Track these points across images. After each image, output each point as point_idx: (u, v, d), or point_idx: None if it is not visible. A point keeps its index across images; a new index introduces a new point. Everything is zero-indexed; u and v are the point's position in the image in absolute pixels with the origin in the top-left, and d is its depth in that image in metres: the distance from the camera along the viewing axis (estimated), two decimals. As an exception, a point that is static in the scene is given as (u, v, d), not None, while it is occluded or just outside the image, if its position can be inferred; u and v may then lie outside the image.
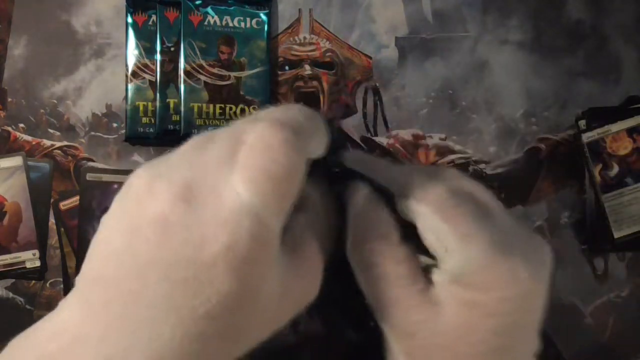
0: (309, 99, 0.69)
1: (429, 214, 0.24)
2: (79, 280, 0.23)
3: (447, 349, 0.24)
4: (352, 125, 0.70)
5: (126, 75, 0.67)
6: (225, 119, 0.66)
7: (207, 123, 0.66)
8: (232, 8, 0.67)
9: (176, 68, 0.66)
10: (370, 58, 0.71)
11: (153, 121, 0.66)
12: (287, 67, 0.70)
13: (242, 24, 0.67)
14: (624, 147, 0.68)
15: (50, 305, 0.67)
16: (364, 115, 0.70)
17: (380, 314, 0.25)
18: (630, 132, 0.68)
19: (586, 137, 0.68)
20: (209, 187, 0.20)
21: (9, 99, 0.69)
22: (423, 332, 0.24)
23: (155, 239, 0.20)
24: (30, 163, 0.67)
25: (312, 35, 0.70)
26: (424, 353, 0.24)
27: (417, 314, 0.24)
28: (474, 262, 0.23)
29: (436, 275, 0.25)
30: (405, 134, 0.69)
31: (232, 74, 0.67)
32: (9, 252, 0.66)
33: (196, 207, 0.20)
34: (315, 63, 0.70)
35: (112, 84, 0.69)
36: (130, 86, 0.67)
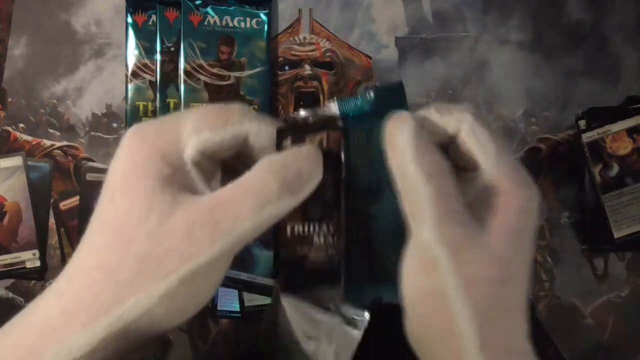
0: (309, 99, 0.69)
1: (472, 121, 0.30)
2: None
3: (490, 255, 0.27)
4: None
5: (126, 75, 0.67)
6: (225, 119, 0.66)
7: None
8: (232, 8, 0.67)
9: (176, 68, 0.66)
10: (370, 58, 0.71)
11: (153, 121, 0.66)
12: (287, 67, 0.70)
13: (242, 24, 0.67)
14: (624, 147, 0.68)
15: (50, 305, 0.67)
16: (364, 115, 0.70)
17: (440, 231, 0.27)
18: (630, 132, 0.68)
19: (586, 137, 0.68)
20: None
21: (9, 99, 0.69)
22: (472, 243, 0.27)
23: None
24: (30, 163, 0.67)
25: (312, 35, 0.70)
26: (474, 266, 0.27)
27: (468, 228, 0.28)
28: (509, 163, 0.30)
29: (471, 188, 0.30)
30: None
31: (232, 74, 0.67)
32: (9, 252, 0.66)
33: None
34: (315, 63, 0.70)
35: (112, 84, 0.69)
36: (130, 86, 0.67)
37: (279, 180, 0.26)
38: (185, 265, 0.25)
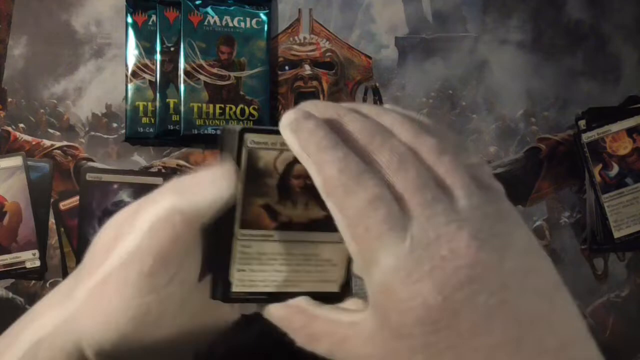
0: (309, 99, 0.69)
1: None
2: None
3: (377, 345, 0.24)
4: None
5: (126, 75, 0.67)
6: (225, 119, 0.66)
7: (207, 123, 0.66)
8: (232, 8, 0.67)
9: (176, 68, 0.66)
10: (370, 58, 0.71)
11: (153, 121, 0.66)
12: (287, 67, 0.70)
13: (242, 24, 0.67)
14: (624, 147, 0.68)
15: (50, 305, 0.67)
16: (364, 115, 0.70)
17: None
18: (630, 132, 0.68)
19: (586, 137, 0.68)
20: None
21: (9, 99, 0.69)
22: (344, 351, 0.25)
23: None
24: (30, 163, 0.67)
25: (312, 35, 0.70)
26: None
27: (341, 332, 0.25)
28: (379, 281, 0.24)
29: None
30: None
31: (232, 74, 0.67)
32: (9, 252, 0.66)
33: None
34: (315, 63, 0.70)
35: (112, 84, 0.69)
36: (130, 86, 0.67)
37: (171, 192, 0.26)
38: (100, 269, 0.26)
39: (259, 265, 0.29)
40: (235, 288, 0.29)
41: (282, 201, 0.28)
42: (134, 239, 0.25)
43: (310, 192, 0.27)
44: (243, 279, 0.29)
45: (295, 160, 0.27)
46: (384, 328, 0.22)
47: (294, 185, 0.28)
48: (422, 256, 0.21)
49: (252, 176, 0.27)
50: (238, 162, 0.27)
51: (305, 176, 0.27)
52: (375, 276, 0.22)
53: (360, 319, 0.24)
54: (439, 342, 0.21)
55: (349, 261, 0.28)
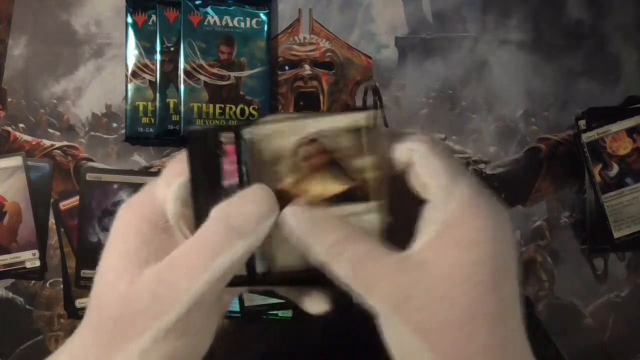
0: (309, 99, 0.69)
1: (425, 151, 0.28)
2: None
3: (443, 299, 0.26)
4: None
5: (126, 75, 0.67)
6: (225, 119, 0.66)
7: (207, 123, 0.66)
8: (232, 8, 0.67)
9: (176, 68, 0.66)
10: (370, 58, 0.71)
11: (153, 121, 0.66)
12: (287, 67, 0.70)
13: (242, 24, 0.67)
14: (624, 147, 0.68)
15: (50, 305, 0.67)
16: (364, 115, 0.70)
17: (371, 293, 0.27)
18: (630, 132, 0.68)
19: (586, 137, 0.68)
20: None
21: (9, 99, 0.69)
22: (417, 289, 0.26)
23: None
24: (30, 163, 0.67)
25: (312, 35, 0.70)
26: (424, 312, 0.26)
27: (410, 275, 0.26)
28: (463, 194, 0.27)
29: (426, 230, 0.28)
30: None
31: (232, 74, 0.67)
32: (9, 252, 0.66)
33: None
34: (315, 63, 0.70)
35: (112, 84, 0.69)
36: (130, 86, 0.67)
37: (227, 229, 0.27)
38: (155, 323, 0.27)
39: (284, 244, 0.29)
40: (277, 269, 0.30)
41: (297, 183, 0.29)
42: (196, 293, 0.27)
43: (322, 170, 0.29)
44: (284, 258, 0.30)
45: (300, 144, 0.28)
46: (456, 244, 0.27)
47: (305, 166, 0.29)
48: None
49: (261, 166, 0.28)
50: (239, 157, 0.28)
51: (314, 155, 0.28)
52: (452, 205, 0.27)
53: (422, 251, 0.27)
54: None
55: (380, 229, 0.29)
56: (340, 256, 0.27)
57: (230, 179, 0.29)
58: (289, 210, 0.28)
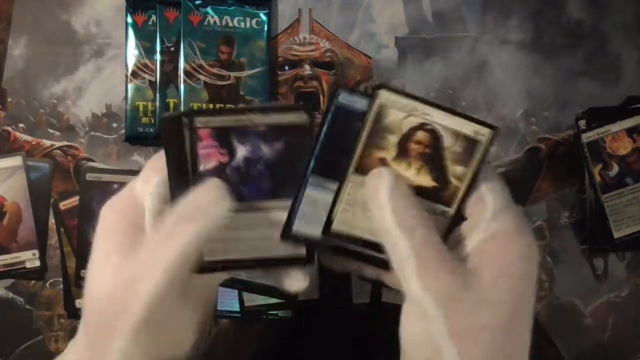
0: (309, 99, 0.69)
1: (489, 169, 0.31)
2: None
3: (489, 306, 0.27)
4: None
5: (126, 75, 0.67)
6: (225, 119, 0.66)
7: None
8: (232, 8, 0.67)
9: (176, 68, 0.66)
10: (370, 58, 0.71)
11: (153, 121, 0.66)
12: (287, 67, 0.70)
13: (242, 24, 0.67)
14: (624, 147, 0.68)
15: (49, 305, 0.67)
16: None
17: (423, 282, 0.28)
18: (630, 132, 0.68)
19: (586, 137, 0.68)
20: None
21: (9, 99, 0.69)
22: (464, 292, 0.27)
23: None
24: (30, 163, 0.67)
25: (312, 35, 0.70)
26: (467, 315, 0.27)
27: (460, 277, 0.28)
28: (515, 213, 0.30)
29: (470, 240, 0.30)
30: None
31: (232, 74, 0.67)
32: (9, 252, 0.66)
33: None
34: (315, 63, 0.70)
35: (112, 84, 0.69)
36: (130, 86, 0.67)
37: (175, 218, 0.29)
38: (124, 324, 0.28)
39: (362, 212, 0.30)
40: (335, 226, 0.31)
41: (398, 159, 0.30)
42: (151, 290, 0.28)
43: (426, 160, 0.30)
44: (345, 219, 0.31)
45: (420, 127, 0.29)
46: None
47: (413, 148, 0.30)
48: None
49: (377, 129, 0.29)
50: (366, 114, 0.29)
51: (425, 144, 0.29)
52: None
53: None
54: None
55: (446, 233, 0.31)
56: (411, 232, 0.28)
57: (206, 163, 0.30)
58: (386, 170, 0.30)
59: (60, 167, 0.68)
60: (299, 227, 0.31)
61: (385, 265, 0.30)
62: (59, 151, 0.68)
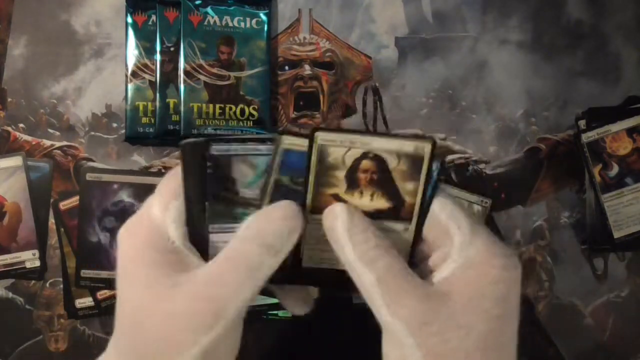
0: (309, 99, 0.69)
1: (446, 200, 0.31)
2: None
3: (461, 328, 0.27)
4: (352, 125, 0.70)
5: (126, 75, 0.67)
6: (225, 118, 0.66)
7: (207, 123, 0.66)
8: (232, 8, 0.67)
9: (176, 68, 0.66)
10: (370, 58, 0.71)
11: (153, 121, 0.66)
12: (287, 67, 0.70)
13: (242, 24, 0.67)
14: (624, 147, 0.68)
15: (50, 305, 0.67)
16: (364, 115, 0.70)
17: (392, 310, 0.28)
18: (630, 132, 0.68)
19: (586, 137, 0.68)
20: None
21: (9, 99, 0.69)
22: (437, 316, 0.27)
23: None
24: (30, 163, 0.67)
25: (312, 35, 0.70)
26: (439, 338, 0.27)
27: (432, 302, 0.28)
28: (485, 238, 0.30)
29: (441, 271, 0.30)
30: (405, 134, 0.69)
31: (232, 74, 0.67)
32: (9, 252, 0.66)
33: None
34: (315, 63, 0.70)
35: (112, 84, 0.69)
36: (130, 86, 0.67)
37: (261, 247, 0.29)
38: (201, 338, 0.28)
39: (327, 246, 0.31)
40: (305, 263, 0.32)
41: (349, 191, 0.31)
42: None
43: (376, 185, 0.31)
44: (312, 256, 0.32)
45: (363, 156, 0.31)
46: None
47: (361, 178, 0.31)
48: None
49: (322, 169, 0.31)
50: (309, 158, 0.31)
51: (372, 171, 0.31)
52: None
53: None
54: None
55: (411, 248, 0.32)
56: (373, 264, 0.28)
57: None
58: (339, 207, 0.30)
59: (60, 167, 0.68)
60: None
61: (356, 291, 0.31)
62: (59, 151, 0.68)
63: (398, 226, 0.31)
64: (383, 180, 0.31)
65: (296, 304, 0.34)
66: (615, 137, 0.68)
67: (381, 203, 0.31)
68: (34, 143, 0.68)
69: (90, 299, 0.66)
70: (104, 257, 0.66)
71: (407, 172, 0.31)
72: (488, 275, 0.29)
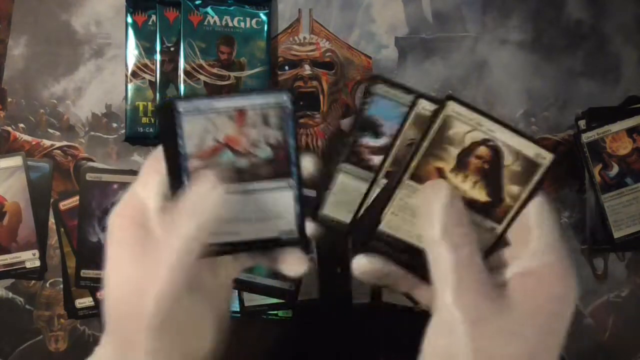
0: (309, 99, 0.69)
1: (543, 203, 0.31)
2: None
3: (514, 335, 0.28)
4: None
5: (126, 75, 0.67)
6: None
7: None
8: (232, 8, 0.67)
9: (176, 68, 0.66)
10: (370, 58, 0.71)
11: (153, 121, 0.66)
12: (287, 67, 0.70)
13: (242, 24, 0.67)
14: (624, 147, 0.68)
15: (50, 305, 0.67)
16: (364, 115, 0.70)
17: (457, 296, 0.28)
18: (630, 132, 0.68)
19: (586, 137, 0.68)
20: None
21: (9, 99, 0.69)
22: (495, 317, 0.28)
23: None
24: (30, 163, 0.67)
25: (312, 35, 0.70)
26: (492, 338, 0.28)
27: (494, 302, 0.28)
28: (563, 253, 0.30)
29: (510, 268, 0.30)
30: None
31: (232, 74, 0.67)
32: (9, 252, 0.66)
33: None
34: (315, 63, 0.70)
35: (112, 84, 0.69)
36: (130, 86, 0.67)
37: (182, 214, 0.31)
38: (158, 303, 0.29)
39: (410, 217, 0.31)
40: (383, 227, 0.31)
41: (455, 171, 0.30)
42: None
43: (483, 176, 0.30)
44: (391, 221, 0.31)
45: (483, 142, 0.30)
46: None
47: (473, 162, 0.30)
48: None
49: (438, 139, 0.30)
50: (431, 123, 0.30)
51: (486, 159, 0.30)
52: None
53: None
54: None
55: (490, 249, 0.31)
56: (457, 248, 0.29)
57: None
58: (444, 183, 0.30)
59: (60, 167, 0.68)
60: (329, 210, 0.32)
61: (420, 271, 0.30)
62: (59, 151, 0.68)
63: (486, 223, 0.31)
64: (492, 172, 0.30)
65: (293, 266, 0.34)
66: (615, 137, 0.68)
67: (481, 194, 0.30)
68: (34, 143, 0.68)
69: (90, 299, 0.66)
70: (103, 257, 0.66)
71: (519, 174, 0.30)
72: (551, 292, 0.29)
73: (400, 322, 0.64)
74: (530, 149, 0.30)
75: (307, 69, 0.69)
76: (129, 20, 0.67)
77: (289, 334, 0.67)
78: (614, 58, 0.72)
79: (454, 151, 0.30)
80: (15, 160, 0.67)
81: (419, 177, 0.30)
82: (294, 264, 0.33)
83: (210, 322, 0.32)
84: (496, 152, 0.30)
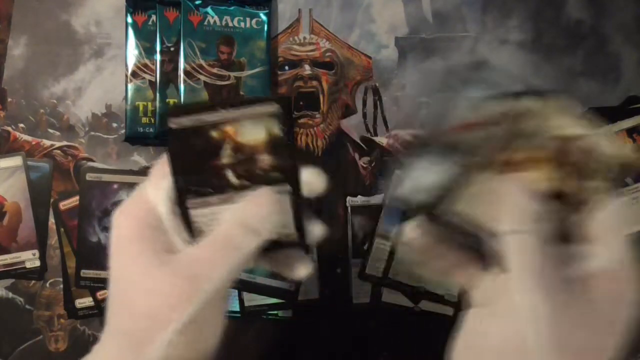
0: (309, 99, 0.69)
1: (612, 213, 0.32)
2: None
3: (588, 325, 0.29)
4: (352, 125, 0.70)
5: (126, 75, 0.67)
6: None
7: (207, 123, 0.66)
8: (232, 8, 0.67)
9: (176, 68, 0.66)
10: (370, 58, 0.71)
11: (153, 121, 0.67)
12: (287, 67, 0.70)
13: (242, 24, 0.67)
14: (624, 147, 0.68)
15: (50, 305, 0.67)
16: (364, 115, 0.70)
17: (534, 282, 0.29)
18: (630, 132, 0.68)
19: (586, 137, 0.68)
20: None
21: (9, 99, 0.69)
22: (573, 307, 0.29)
23: None
24: (30, 163, 0.67)
25: (312, 35, 0.70)
26: (566, 324, 0.29)
27: (573, 292, 0.29)
28: (629, 261, 0.31)
29: (592, 263, 0.31)
30: (405, 134, 0.69)
31: (232, 74, 0.67)
32: (9, 252, 0.66)
33: None
34: (315, 63, 0.70)
35: (112, 84, 0.69)
36: (130, 86, 0.67)
37: (240, 228, 0.31)
38: (179, 315, 0.29)
39: (485, 202, 0.31)
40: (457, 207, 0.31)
41: (548, 160, 0.31)
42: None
43: (575, 168, 0.31)
44: (465, 203, 0.31)
45: (581, 137, 0.31)
46: None
47: (568, 153, 0.32)
48: None
49: (522, 131, 0.32)
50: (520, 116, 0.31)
51: (580, 153, 0.31)
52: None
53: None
54: None
55: (566, 240, 0.31)
56: (540, 237, 0.30)
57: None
58: (534, 172, 0.31)
59: (60, 167, 0.68)
60: (370, 269, 0.34)
61: (485, 255, 0.31)
62: (59, 151, 0.68)
63: (568, 215, 0.31)
64: (584, 167, 0.31)
65: (295, 269, 0.35)
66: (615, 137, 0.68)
67: (568, 186, 0.31)
68: (34, 143, 0.68)
69: (90, 299, 0.66)
70: (104, 257, 0.66)
71: (598, 171, 0.31)
72: (621, 295, 0.31)
73: (400, 322, 0.64)
74: (622, 152, 0.32)
75: (307, 69, 0.69)
76: (129, 20, 0.67)
77: (289, 334, 0.67)
78: (614, 58, 0.72)
79: (551, 142, 0.31)
80: (15, 160, 0.67)
81: (503, 165, 0.31)
82: (300, 267, 0.34)
83: (222, 320, 0.34)
84: (587, 147, 0.31)
